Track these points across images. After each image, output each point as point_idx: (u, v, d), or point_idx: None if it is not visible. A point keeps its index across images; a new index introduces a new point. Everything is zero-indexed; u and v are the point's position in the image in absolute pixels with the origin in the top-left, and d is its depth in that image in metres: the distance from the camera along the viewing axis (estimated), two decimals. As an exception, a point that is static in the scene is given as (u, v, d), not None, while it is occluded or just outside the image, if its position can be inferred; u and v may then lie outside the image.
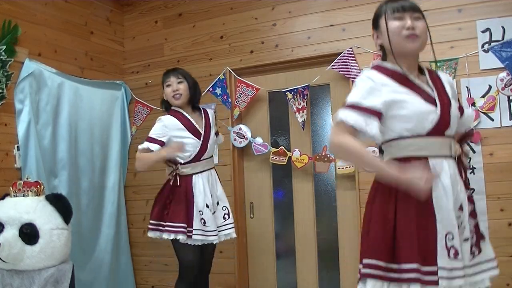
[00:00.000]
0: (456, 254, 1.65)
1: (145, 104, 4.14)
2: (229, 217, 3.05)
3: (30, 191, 2.84)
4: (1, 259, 2.61)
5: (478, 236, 1.77)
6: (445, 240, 1.65)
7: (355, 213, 3.42)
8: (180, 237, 2.84)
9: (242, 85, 3.76)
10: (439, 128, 1.72)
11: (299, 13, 3.65)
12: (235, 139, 3.76)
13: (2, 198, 2.88)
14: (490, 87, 3.07)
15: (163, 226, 2.89)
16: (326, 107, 3.69)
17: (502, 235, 2.97)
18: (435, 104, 1.73)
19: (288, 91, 3.59)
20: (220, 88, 3.83)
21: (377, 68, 1.81)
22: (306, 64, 3.65)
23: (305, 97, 3.56)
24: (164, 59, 4.12)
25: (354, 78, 3.41)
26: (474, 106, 3.08)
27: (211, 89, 3.86)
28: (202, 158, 2.99)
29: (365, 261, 1.71)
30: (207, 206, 2.92)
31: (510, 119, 3.03)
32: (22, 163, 3.25)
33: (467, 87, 3.12)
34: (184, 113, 3.01)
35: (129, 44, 4.30)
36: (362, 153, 1.71)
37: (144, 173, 3.97)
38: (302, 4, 3.64)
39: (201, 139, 2.97)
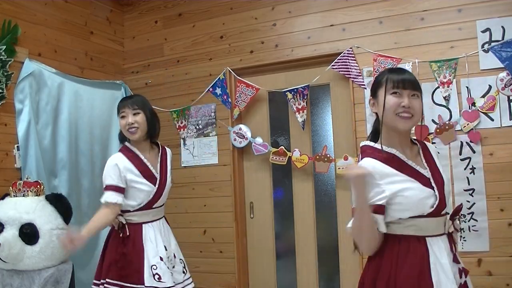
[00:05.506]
0: None
1: (145, 104, 4.14)
2: (187, 271, 2.73)
3: (30, 191, 2.84)
4: (1, 259, 2.61)
5: None
6: None
7: (355, 213, 3.41)
8: None
9: (242, 85, 3.76)
10: (438, 210, 1.72)
11: (299, 13, 3.64)
12: (235, 139, 3.76)
13: (2, 198, 2.89)
14: (490, 87, 3.06)
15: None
16: (326, 107, 3.68)
17: (502, 235, 2.96)
18: (432, 187, 1.72)
19: (288, 91, 3.59)
20: (220, 88, 3.83)
21: (371, 153, 1.77)
22: (306, 64, 3.65)
23: (305, 97, 3.56)
24: (164, 59, 4.12)
25: (354, 78, 3.41)
26: (474, 106, 3.08)
27: (211, 89, 3.86)
28: (153, 206, 2.64)
29: None
30: (161, 259, 2.55)
31: (510, 119, 3.02)
32: (22, 163, 3.25)
33: (467, 87, 3.12)
34: (139, 153, 2.64)
35: (129, 44, 4.30)
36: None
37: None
38: (302, 4, 3.64)
39: (156, 186, 2.62)
